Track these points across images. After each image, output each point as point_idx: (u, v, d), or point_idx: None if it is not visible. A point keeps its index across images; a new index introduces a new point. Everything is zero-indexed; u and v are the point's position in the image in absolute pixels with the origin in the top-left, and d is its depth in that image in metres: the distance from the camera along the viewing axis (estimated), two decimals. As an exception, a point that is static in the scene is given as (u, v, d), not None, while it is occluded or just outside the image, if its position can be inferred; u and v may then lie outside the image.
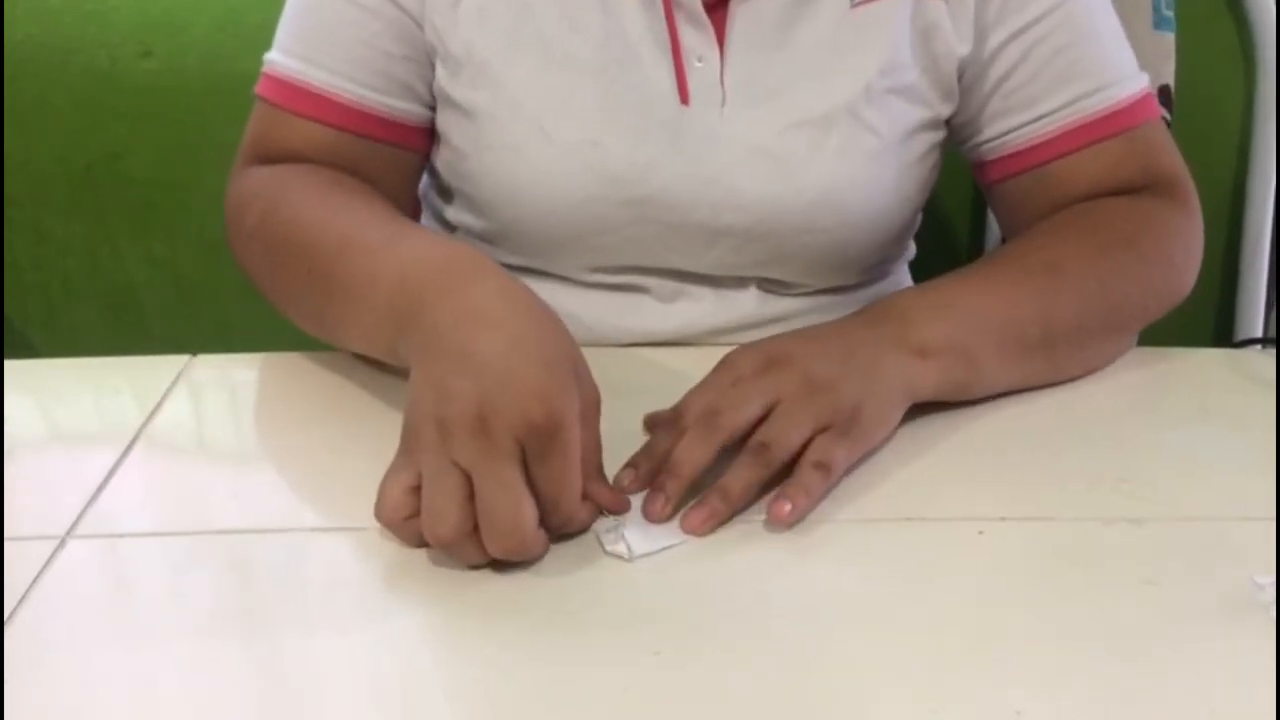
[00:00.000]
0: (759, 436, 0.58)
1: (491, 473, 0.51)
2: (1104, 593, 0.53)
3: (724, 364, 0.63)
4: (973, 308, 0.66)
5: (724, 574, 0.54)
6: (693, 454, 0.58)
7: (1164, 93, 1.00)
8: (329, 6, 0.74)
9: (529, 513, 0.52)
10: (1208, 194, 1.16)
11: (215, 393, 0.72)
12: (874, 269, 0.82)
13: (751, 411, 0.58)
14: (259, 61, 0.77)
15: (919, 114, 0.76)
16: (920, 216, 0.85)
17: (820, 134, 0.74)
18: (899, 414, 0.63)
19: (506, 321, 0.53)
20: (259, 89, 0.76)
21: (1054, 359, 0.69)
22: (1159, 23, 0.99)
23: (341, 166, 0.74)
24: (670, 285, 0.78)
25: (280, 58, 0.75)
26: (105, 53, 1.14)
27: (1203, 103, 1.10)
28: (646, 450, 0.61)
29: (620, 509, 0.57)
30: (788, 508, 0.56)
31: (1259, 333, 1.14)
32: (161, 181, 1.18)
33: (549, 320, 0.55)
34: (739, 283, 0.78)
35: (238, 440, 0.68)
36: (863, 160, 0.74)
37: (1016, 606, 0.52)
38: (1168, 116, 1.00)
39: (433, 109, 0.77)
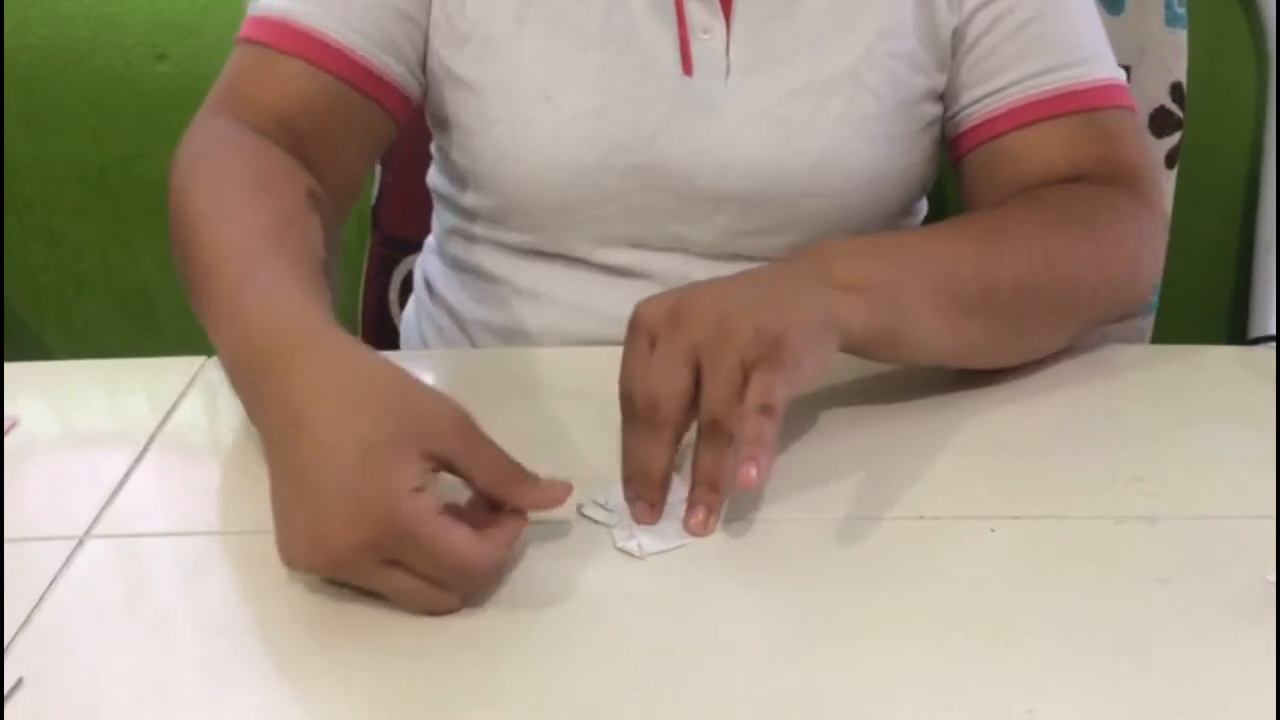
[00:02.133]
0: (704, 414, 0.56)
1: (368, 583, 0.50)
2: (1117, 591, 0.53)
3: (633, 326, 0.59)
4: (904, 253, 0.64)
5: (736, 573, 0.54)
6: (654, 459, 0.57)
7: (1176, 90, 1.00)
8: None
9: (422, 594, 0.50)
10: (1221, 191, 1.16)
11: (231, 393, 0.72)
12: None
13: (682, 382, 0.56)
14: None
15: (919, 83, 0.77)
16: (926, 203, 0.85)
17: (822, 98, 0.74)
18: (829, 344, 0.60)
19: (321, 420, 0.50)
20: (242, 34, 0.75)
21: (993, 326, 0.66)
22: (1171, 20, 0.98)
23: (310, 122, 0.73)
24: (675, 267, 0.78)
25: (271, 1, 0.74)
26: (119, 56, 1.14)
27: (1215, 99, 1.10)
28: (625, 459, 0.59)
29: (556, 500, 0.54)
30: (753, 472, 0.53)
31: (1273, 330, 1.14)
32: (175, 183, 1.18)
33: (365, 386, 0.52)
34: (745, 262, 0.78)
35: (253, 440, 0.68)
36: (863, 124, 0.75)
37: (1029, 605, 0.52)
38: (1180, 114, 1.00)
39: (414, 77, 0.77)
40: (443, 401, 0.52)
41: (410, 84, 0.77)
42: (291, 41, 0.73)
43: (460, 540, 0.49)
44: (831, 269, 0.61)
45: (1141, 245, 0.74)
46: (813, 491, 0.58)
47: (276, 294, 0.58)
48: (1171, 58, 0.99)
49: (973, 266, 0.65)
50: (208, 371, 0.73)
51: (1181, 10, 0.99)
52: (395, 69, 0.76)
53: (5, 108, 1.16)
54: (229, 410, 0.70)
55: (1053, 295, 0.68)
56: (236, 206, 0.65)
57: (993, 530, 0.57)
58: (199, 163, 0.70)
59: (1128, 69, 0.99)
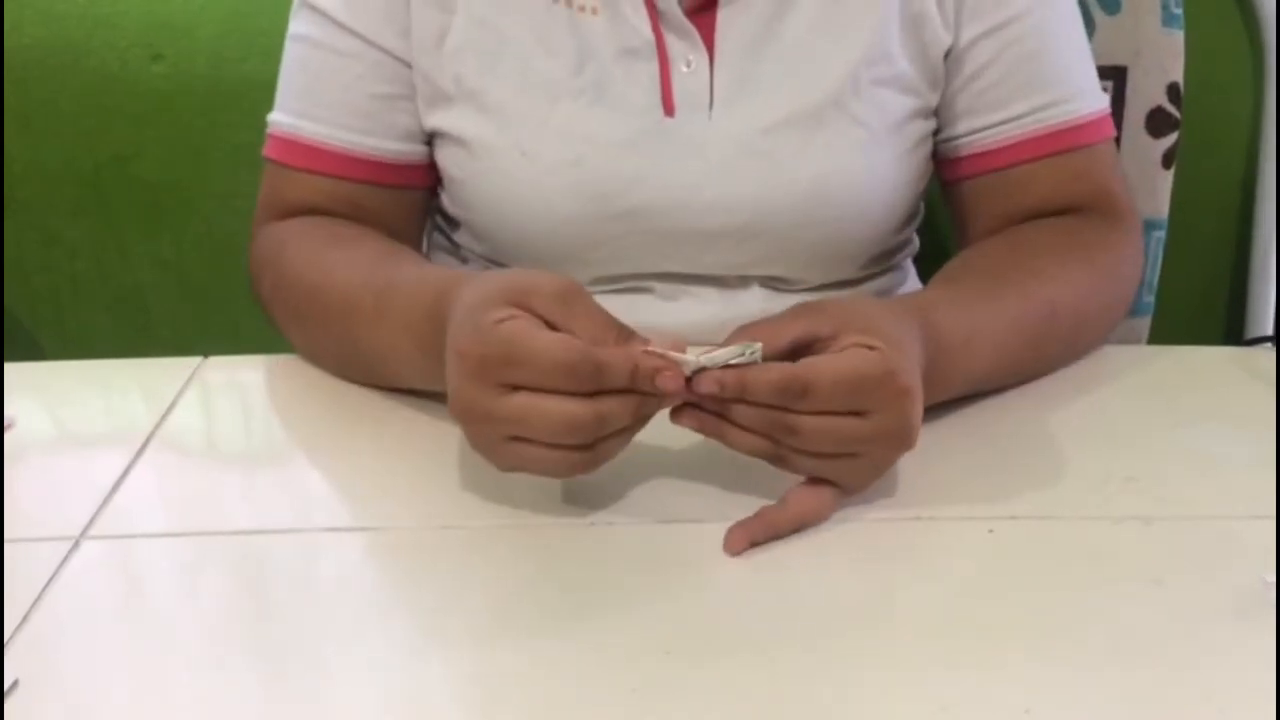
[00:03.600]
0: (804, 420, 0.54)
1: (502, 417, 0.53)
2: (1113, 591, 0.53)
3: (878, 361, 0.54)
4: (979, 348, 0.65)
5: (733, 572, 0.54)
6: (744, 440, 0.55)
7: (1173, 90, 1.00)
8: (314, 59, 0.76)
9: (553, 415, 0.52)
10: (1218, 191, 1.16)
11: (227, 394, 0.72)
12: (876, 261, 0.82)
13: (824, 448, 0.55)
14: (266, 64, 0.79)
15: (910, 103, 0.77)
16: (922, 209, 0.85)
17: (808, 130, 0.74)
18: None
19: (454, 314, 0.57)
20: (265, 150, 0.79)
21: (1014, 371, 0.69)
22: (1168, 20, 0.98)
23: (346, 211, 0.76)
24: (673, 286, 0.79)
25: (278, 116, 0.78)
26: (114, 56, 1.14)
27: (1212, 100, 1.10)
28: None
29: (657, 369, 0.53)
30: (672, 386, 0.53)
31: (1270, 330, 1.14)
32: (170, 184, 1.18)
33: (487, 279, 0.58)
34: (741, 282, 0.79)
35: (249, 441, 0.68)
36: (853, 153, 0.75)
37: (1026, 605, 0.52)
38: (1177, 114, 1.00)
39: (428, 144, 0.79)
40: (549, 275, 0.56)
41: (425, 153, 0.79)
42: (300, 157, 0.77)
43: (551, 336, 0.53)
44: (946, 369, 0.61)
45: (1134, 276, 0.78)
46: (810, 492, 0.58)
47: (416, 275, 0.65)
48: (1168, 58, 0.99)
49: (1022, 354, 0.68)
50: (204, 372, 0.73)
51: (1178, 11, 0.99)
52: (403, 149, 0.77)
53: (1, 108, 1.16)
54: (226, 411, 0.70)
55: (1070, 337, 0.72)
56: (331, 262, 0.71)
57: (990, 531, 0.57)
58: (270, 264, 0.75)
59: (1124, 69, 0.99)
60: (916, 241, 0.88)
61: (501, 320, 0.53)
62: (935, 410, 0.65)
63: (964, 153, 0.79)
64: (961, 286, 0.69)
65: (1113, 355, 0.74)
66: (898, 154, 0.77)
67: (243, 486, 0.63)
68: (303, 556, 0.56)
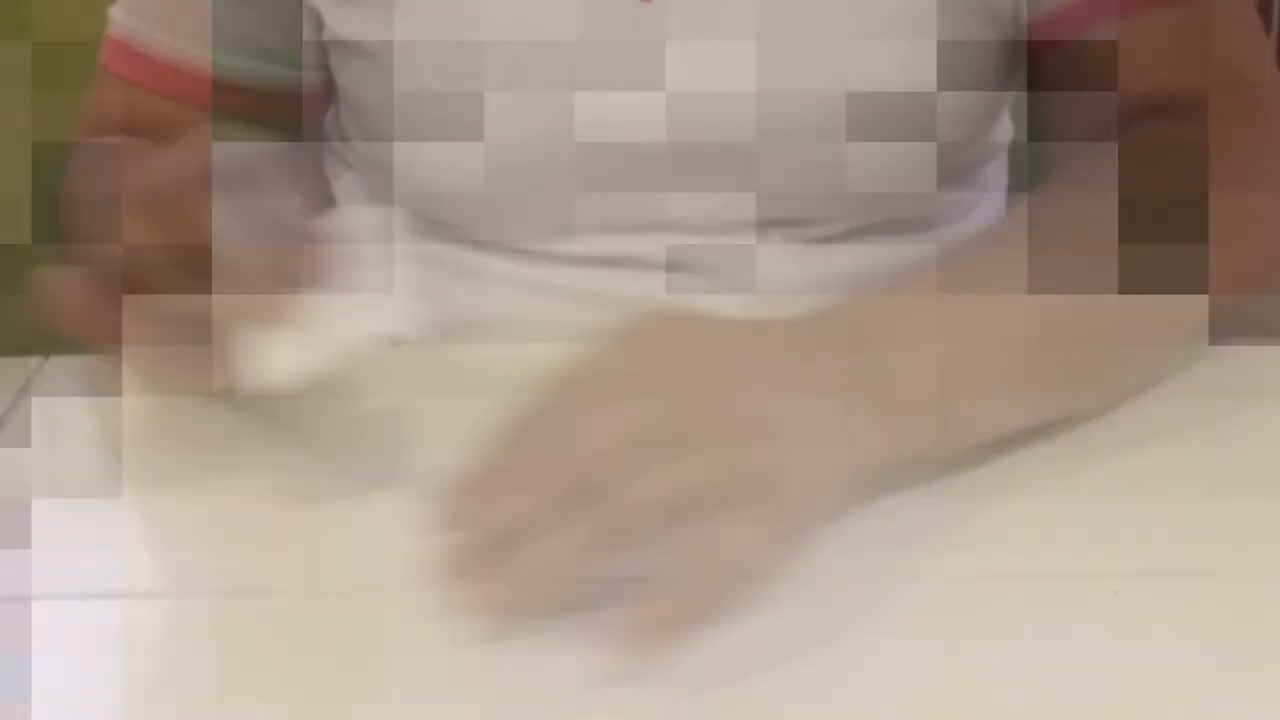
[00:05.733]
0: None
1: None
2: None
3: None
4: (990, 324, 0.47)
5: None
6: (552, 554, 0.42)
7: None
8: None
9: None
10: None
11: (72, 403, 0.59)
12: (949, 182, 0.64)
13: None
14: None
15: None
16: (1011, 128, 0.68)
17: (823, 8, 0.59)
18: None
19: None
20: (101, 56, 0.67)
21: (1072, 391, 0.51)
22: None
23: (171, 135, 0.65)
24: (672, 255, 0.64)
25: (120, 14, 0.66)
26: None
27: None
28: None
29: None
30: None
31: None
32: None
33: None
34: (759, 231, 0.63)
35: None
36: (877, 36, 0.60)
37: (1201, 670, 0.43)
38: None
39: (297, 69, 0.67)
40: None
41: (294, 80, 0.67)
42: (148, 74, 0.66)
43: None
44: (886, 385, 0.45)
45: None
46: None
47: None
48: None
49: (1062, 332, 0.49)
50: (44, 376, 0.61)
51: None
52: (265, 71, 0.66)
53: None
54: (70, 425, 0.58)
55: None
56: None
57: (1115, 593, 0.46)
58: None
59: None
60: (1004, 176, 0.71)
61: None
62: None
63: (1033, 17, 0.61)
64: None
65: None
66: (957, 27, 0.60)
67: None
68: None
